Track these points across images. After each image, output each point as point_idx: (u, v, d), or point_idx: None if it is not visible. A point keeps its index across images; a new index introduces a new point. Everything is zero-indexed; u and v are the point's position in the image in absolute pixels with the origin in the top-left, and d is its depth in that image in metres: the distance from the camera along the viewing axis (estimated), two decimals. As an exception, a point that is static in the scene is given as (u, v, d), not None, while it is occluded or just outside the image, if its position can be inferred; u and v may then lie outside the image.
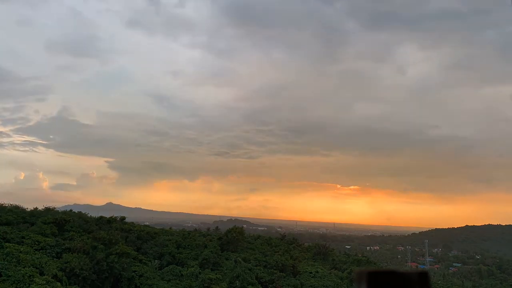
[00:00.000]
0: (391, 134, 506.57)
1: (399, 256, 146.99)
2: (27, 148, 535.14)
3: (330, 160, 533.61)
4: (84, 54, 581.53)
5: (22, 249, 42.65)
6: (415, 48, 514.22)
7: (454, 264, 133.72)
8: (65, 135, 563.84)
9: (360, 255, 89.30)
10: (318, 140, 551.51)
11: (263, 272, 54.97)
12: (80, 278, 42.94)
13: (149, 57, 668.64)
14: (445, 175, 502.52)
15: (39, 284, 36.21)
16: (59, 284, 38.43)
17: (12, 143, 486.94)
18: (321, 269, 63.15)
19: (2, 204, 59.45)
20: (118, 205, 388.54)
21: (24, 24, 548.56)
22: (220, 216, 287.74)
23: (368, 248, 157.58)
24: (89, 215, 69.89)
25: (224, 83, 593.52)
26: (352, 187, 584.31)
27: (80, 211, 71.99)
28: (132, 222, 76.04)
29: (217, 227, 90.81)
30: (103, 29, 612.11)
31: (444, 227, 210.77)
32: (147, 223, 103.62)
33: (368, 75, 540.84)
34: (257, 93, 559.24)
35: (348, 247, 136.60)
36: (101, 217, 68.12)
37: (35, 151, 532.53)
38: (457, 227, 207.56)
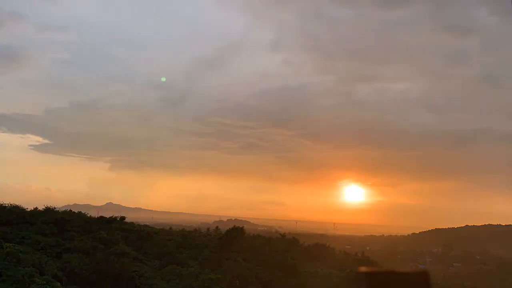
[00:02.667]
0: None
1: (399, 256, 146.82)
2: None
3: (329, 156, 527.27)
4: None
5: (22, 249, 42.64)
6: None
7: (454, 264, 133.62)
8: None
9: (360, 255, 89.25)
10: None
11: (263, 272, 54.96)
12: (80, 278, 42.95)
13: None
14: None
15: (39, 284, 36.20)
16: (59, 284, 38.42)
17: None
18: (321, 269, 63.17)
19: (2, 204, 59.37)
20: (118, 205, 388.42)
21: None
22: (220, 216, 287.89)
23: (368, 248, 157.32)
24: (89, 215, 69.81)
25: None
26: (352, 184, 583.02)
27: (80, 211, 71.88)
28: (132, 222, 75.99)
29: (217, 227, 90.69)
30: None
31: (444, 227, 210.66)
32: (147, 223, 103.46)
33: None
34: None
35: (348, 247, 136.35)
36: (101, 217, 68.12)
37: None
38: (457, 227, 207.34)
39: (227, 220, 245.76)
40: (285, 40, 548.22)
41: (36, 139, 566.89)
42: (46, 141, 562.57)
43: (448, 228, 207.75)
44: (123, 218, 70.37)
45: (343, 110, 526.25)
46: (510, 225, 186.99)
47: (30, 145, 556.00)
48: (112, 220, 66.91)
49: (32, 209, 63.62)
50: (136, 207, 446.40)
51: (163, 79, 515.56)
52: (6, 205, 59.12)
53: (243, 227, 79.83)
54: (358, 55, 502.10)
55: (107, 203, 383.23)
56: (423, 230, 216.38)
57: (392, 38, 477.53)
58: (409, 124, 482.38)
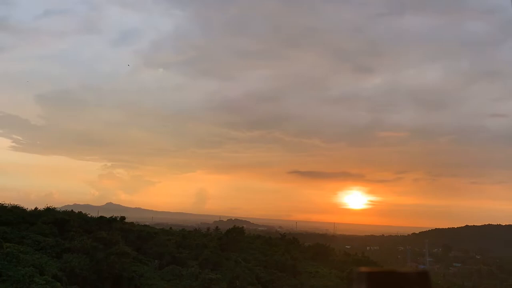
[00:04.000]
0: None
1: (399, 256, 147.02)
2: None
3: (329, 155, 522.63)
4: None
5: (22, 249, 42.65)
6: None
7: (454, 264, 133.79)
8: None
9: (360, 255, 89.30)
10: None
11: (263, 272, 54.98)
12: (80, 278, 42.95)
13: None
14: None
15: (39, 284, 36.20)
16: (59, 284, 38.42)
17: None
18: (321, 269, 63.22)
19: (2, 204, 59.46)
20: (118, 205, 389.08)
21: None
22: (220, 216, 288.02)
23: (368, 248, 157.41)
24: (89, 215, 69.87)
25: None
26: (350, 184, 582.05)
27: (80, 211, 71.96)
28: (132, 222, 76.05)
29: (217, 227, 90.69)
30: None
31: (444, 227, 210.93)
32: (147, 223, 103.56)
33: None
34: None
35: (348, 247, 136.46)
36: (101, 217, 68.13)
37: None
38: (457, 227, 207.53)
39: (227, 220, 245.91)
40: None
41: (25, 139, 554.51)
42: (37, 141, 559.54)
43: (448, 228, 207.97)
44: (123, 218, 70.36)
45: (341, 106, 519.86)
46: (510, 225, 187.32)
47: (18, 144, 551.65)
48: (112, 220, 66.90)
49: (32, 209, 63.73)
50: (136, 207, 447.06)
51: (160, 70, 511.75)
52: (6, 205, 59.24)
53: (243, 227, 79.99)
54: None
55: (107, 203, 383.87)
56: (423, 230, 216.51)
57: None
58: (408, 120, 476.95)
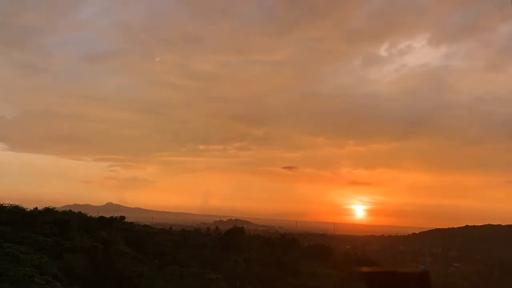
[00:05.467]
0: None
1: (399, 256, 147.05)
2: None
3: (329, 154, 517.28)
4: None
5: (22, 249, 42.65)
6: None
7: (454, 264, 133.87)
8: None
9: (360, 255, 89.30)
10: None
11: (263, 272, 55.02)
12: (80, 278, 42.97)
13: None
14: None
15: (39, 284, 36.21)
16: (59, 284, 38.42)
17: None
18: (321, 269, 63.22)
19: (2, 204, 59.49)
20: (118, 205, 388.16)
21: None
22: (220, 216, 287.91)
23: (368, 248, 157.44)
24: (89, 215, 69.90)
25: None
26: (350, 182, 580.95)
27: (80, 211, 71.98)
28: (132, 222, 76.06)
29: (217, 227, 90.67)
30: None
31: (444, 227, 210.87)
32: (147, 223, 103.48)
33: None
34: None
35: (348, 247, 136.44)
36: (101, 217, 68.18)
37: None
38: (457, 227, 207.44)
39: (227, 220, 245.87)
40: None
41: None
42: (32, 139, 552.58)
43: (448, 228, 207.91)
44: (123, 218, 70.42)
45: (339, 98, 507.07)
46: (510, 225, 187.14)
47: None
48: (112, 220, 66.95)
49: (32, 209, 63.70)
50: (136, 207, 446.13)
51: (157, 59, 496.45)
52: (6, 205, 59.27)
53: (243, 227, 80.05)
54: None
55: (107, 203, 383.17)
56: (423, 230, 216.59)
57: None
58: (408, 115, 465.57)
